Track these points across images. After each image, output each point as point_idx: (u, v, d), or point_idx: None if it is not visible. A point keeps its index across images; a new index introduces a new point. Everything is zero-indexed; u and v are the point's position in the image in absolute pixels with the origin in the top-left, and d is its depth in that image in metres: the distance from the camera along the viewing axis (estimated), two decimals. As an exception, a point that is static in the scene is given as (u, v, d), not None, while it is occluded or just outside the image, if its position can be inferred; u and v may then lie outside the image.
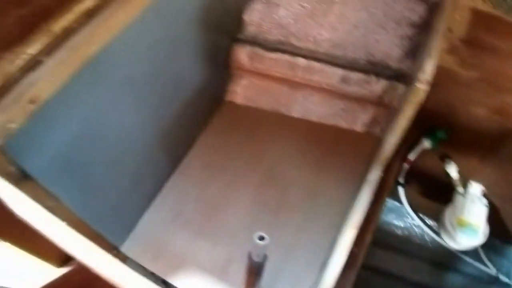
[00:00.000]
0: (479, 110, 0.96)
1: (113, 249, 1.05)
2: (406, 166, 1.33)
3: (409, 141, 1.22)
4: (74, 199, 0.85)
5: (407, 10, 1.18)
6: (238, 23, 1.30)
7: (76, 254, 0.62)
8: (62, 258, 1.01)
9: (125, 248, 1.15)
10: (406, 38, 1.21)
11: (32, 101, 0.66)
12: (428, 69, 0.63)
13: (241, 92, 1.41)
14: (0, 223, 0.74)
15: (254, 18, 1.29)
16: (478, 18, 0.83)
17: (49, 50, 0.67)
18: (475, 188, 1.24)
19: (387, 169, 0.84)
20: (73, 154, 0.81)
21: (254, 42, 1.31)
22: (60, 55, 0.68)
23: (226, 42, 1.29)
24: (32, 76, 0.66)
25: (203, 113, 1.35)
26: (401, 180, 1.37)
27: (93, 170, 0.90)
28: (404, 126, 0.69)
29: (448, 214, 1.30)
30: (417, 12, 1.17)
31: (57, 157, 0.77)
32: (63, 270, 1.04)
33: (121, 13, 0.75)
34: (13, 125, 0.65)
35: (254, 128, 1.37)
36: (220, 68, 1.33)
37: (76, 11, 0.69)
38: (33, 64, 0.66)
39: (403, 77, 1.25)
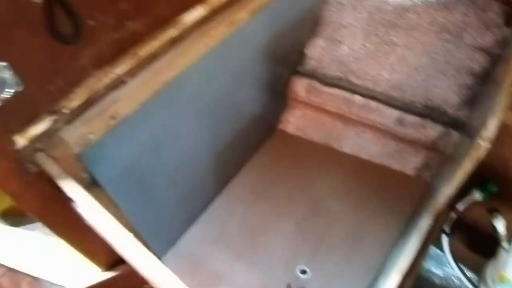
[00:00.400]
0: None
1: (155, 259, 1.09)
2: (453, 215, 1.30)
3: (459, 191, 1.20)
4: (130, 208, 0.90)
5: (469, 59, 1.17)
6: (299, 56, 1.34)
7: (130, 259, 0.65)
8: (110, 262, 1.06)
9: (165, 260, 1.19)
10: (465, 86, 1.21)
11: (113, 117, 0.72)
12: (491, 127, 0.63)
13: (294, 122, 1.44)
14: (64, 221, 0.80)
15: (316, 53, 1.33)
16: None
17: (134, 72, 0.74)
18: (521, 245, 1.18)
19: (437, 218, 0.84)
20: (138, 167, 0.87)
21: (313, 75, 1.35)
22: (143, 77, 0.74)
23: (286, 74, 1.33)
24: (116, 94, 0.72)
25: (255, 139, 1.39)
26: (446, 229, 1.33)
27: (151, 183, 0.96)
28: (461, 180, 0.69)
29: (490, 269, 1.24)
30: (479, 62, 1.17)
31: (124, 169, 0.83)
32: (108, 274, 1.09)
33: (200, 44, 0.80)
34: (92, 137, 0.71)
35: (303, 158, 1.39)
36: (277, 97, 1.38)
37: (162, 38, 0.75)
38: (118, 83, 0.73)
39: (460, 125, 1.24)
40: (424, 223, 0.79)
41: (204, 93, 0.95)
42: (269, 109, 1.34)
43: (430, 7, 1.14)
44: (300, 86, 1.36)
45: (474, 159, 0.64)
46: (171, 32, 0.77)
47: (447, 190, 0.73)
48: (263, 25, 1.03)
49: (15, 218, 1.35)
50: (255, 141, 1.40)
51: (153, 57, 0.76)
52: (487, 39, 1.13)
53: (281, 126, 1.47)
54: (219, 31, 0.84)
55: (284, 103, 1.43)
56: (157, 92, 0.75)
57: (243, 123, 1.23)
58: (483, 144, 0.62)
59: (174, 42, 0.78)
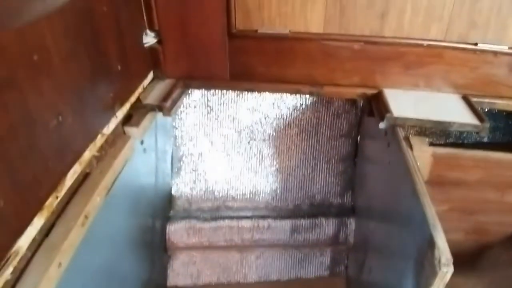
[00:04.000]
0: (456, 235, 0.95)
1: None
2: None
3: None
4: None
5: (332, 148, 1.19)
6: (167, 201, 1.17)
7: None
8: None
9: None
10: (340, 173, 1.21)
11: None
12: (443, 246, 0.57)
13: (183, 272, 1.22)
14: None
15: (183, 191, 1.18)
16: (439, 160, 0.85)
17: None
18: (465, 304, 1.17)
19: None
20: None
21: (188, 216, 1.17)
22: None
23: (159, 225, 1.12)
24: None
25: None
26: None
27: None
28: None
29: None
30: (342, 147, 1.19)
31: None
32: None
33: (52, 270, 0.56)
34: None
35: (211, 312, 1.17)
36: (156, 253, 1.14)
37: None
38: None
39: (350, 211, 1.22)
40: None
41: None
42: (154, 271, 1.10)
43: (280, 118, 1.13)
44: (179, 232, 1.16)
45: (443, 285, 0.57)
46: (5, 274, 0.52)
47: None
48: (123, 196, 0.83)
49: None
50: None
51: None
52: (341, 126, 1.16)
53: (171, 282, 1.22)
54: (72, 239, 0.62)
55: (166, 257, 1.20)
56: None
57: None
58: (447, 269, 0.55)
59: (13, 286, 0.53)
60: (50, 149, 0.61)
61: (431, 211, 0.63)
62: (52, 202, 0.62)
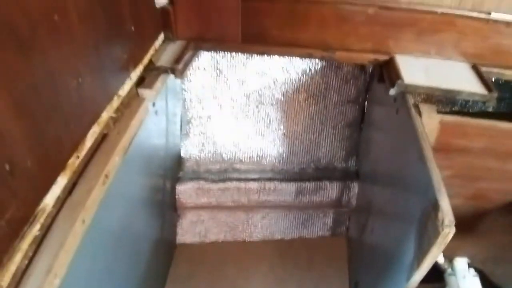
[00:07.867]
0: (455, 201, 0.99)
1: None
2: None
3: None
4: None
5: (339, 114, 1.20)
6: (177, 162, 1.19)
7: None
8: None
9: None
10: (345, 138, 1.23)
11: None
12: (446, 209, 0.60)
13: (191, 230, 1.27)
14: None
15: (191, 152, 1.20)
16: (446, 127, 0.87)
17: None
18: (461, 264, 1.17)
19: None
20: None
21: (197, 177, 1.21)
22: None
23: (169, 185, 1.16)
24: None
25: (157, 270, 1.16)
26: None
27: None
28: (430, 265, 0.65)
29: (448, 299, 1.22)
30: (349, 113, 1.20)
31: None
32: None
33: (76, 226, 0.59)
34: None
35: (219, 268, 1.22)
36: (167, 212, 1.18)
37: (23, 247, 0.52)
38: None
39: (354, 175, 1.26)
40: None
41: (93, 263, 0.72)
42: (164, 229, 1.14)
43: (289, 82, 1.14)
44: (188, 192, 1.20)
45: (443, 245, 0.60)
46: (33, 231, 0.55)
47: (417, 277, 0.68)
48: (138, 156, 0.85)
49: None
50: (158, 273, 1.17)
51: (20, 278, 0.52)
52: (349, 91, 1.17)
53: (180, 239, 1.27)
54: (94, 197, 0.64)
55: (176, 216, 1.24)
56: None
57: (140, 261, 1.01)
58: (449, 230, 0.58)
59: (40, 241, 0.56)
60: (71, 110, 0.63)
61: (436, 176, 0.66)
62: (74, 162, 0.64)
